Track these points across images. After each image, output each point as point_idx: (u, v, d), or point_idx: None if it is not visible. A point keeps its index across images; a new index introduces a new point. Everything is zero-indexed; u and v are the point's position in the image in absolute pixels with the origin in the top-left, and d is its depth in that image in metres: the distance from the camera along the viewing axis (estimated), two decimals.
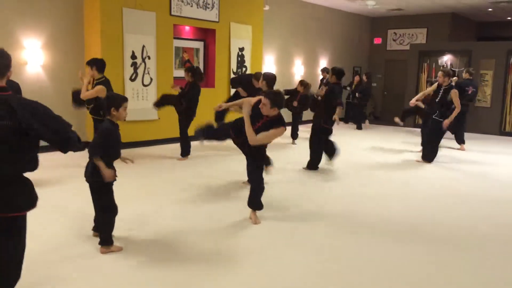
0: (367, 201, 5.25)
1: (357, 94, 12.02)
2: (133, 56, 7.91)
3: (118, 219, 3.65)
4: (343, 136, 9.71)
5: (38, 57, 7.19)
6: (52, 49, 7.38)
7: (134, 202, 4.77)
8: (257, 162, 4.44)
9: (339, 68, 6.78)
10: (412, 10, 13.46)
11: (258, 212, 4.40)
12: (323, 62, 13.50)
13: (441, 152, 7.70)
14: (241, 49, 9.98)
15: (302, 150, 7.68)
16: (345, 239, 4.03)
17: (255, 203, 4.39)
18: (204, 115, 7.05)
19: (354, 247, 3.87)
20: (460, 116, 7.75)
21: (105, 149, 3.46)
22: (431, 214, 4.87)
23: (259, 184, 4.39)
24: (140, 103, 8.02)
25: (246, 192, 4.57)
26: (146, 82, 8.15)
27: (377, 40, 15.27)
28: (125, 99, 3.59)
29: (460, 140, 9.06)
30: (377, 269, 3.45)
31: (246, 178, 5.09)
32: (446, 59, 12.64)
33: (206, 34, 9.50)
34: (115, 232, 3.67)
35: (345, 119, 12.58)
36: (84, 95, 5.83)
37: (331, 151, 6.70)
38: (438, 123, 7.12)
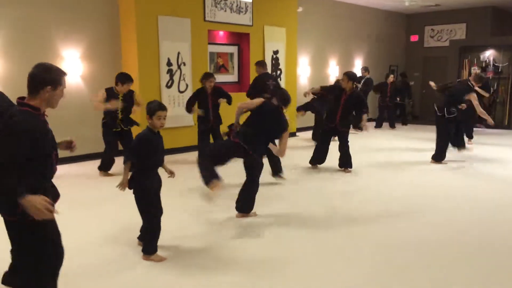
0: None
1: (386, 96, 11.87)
2: (169, 63, 7.94)
3: (163, 230, 3.61)
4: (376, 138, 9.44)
5: (77, 68, 7.31)
6: (90, 59, 7.49)
7: (177, 210, 4.73)
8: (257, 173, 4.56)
9: (351, 72, 6.78)
10: (450, 5, 13.01)
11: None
12: (358, 62, 13.24)
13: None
14: (275, 52, 9.88)
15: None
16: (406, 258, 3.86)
17: (248, 207, 4.60)
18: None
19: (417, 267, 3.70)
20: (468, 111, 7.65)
21: (138, 155, 3.46)
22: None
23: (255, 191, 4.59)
24: (176, 110, 8.03)
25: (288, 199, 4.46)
26: (182, 89, 8.17)
27: (414, 38, 14.85)
28: (159, 108, 3.48)
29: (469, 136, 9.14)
30: None
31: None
32: (489, 54, 12.15)
33: (240, 39, 9.45)
34: (163, 242, 3.64)
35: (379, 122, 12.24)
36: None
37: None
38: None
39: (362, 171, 6.77)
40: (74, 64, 7.25)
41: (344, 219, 4.62)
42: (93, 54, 7.51)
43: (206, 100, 6.67)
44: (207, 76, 6.66)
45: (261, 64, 7.08)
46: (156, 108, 3.47)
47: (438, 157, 7.29)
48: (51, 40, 7.02)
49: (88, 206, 4.96)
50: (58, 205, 2.48)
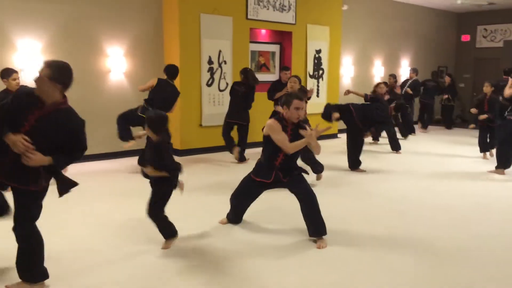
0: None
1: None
2: (210, 61, 7.93)
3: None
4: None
5: (120, 65, 7.43)
6: (134, 56, 7.59)
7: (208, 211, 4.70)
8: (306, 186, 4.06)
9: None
10: (505, 3, 12.32)
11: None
12: (405, 62, 12.81)
13: None
14: (318, 51, 9.69)
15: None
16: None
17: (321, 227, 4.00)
18: None
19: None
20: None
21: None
22: None
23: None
24: (216, 108, 8.02)
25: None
26: (222, 87, 8.15)
27: (465, 38, 14.20)
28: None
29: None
30: None
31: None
32: None
33: (282, 37, 9.33)
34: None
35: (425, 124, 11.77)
36: None
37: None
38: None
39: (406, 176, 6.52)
40: (118, 61, 7.38)
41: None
42: (137, 51, 7.61)
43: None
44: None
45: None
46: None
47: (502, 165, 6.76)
48: (96, 37, 7.17)
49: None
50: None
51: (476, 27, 13.89)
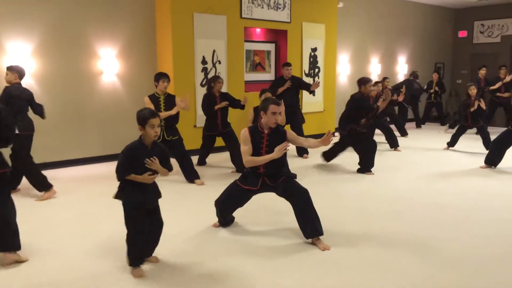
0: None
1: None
2: (204, 61, 7.83)
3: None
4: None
5: (113, 66, 7.32)
6: (126, 58, 7.49)
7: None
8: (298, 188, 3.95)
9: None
10: None
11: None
12: (402, 59, 12.71)
13: None
14: (314, 50, 9.59)
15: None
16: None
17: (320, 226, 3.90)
18: None
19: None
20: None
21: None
22: None
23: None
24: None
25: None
26: None
27: (462, 33, 14.11)
28: (151, 115, 3.20)
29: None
30: None
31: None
32: None
33: (277, 36, 9.23)
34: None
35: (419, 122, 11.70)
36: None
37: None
38: None
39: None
40: (110, 62, 7.27)
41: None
42: (129, 52, 7.51)
43: (214, 104, 6.50)
44: (214, 79, 6.54)
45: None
46: (147, 116, 3.19)
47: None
48: (88, 39, 7.06)
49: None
50: None
51: (473, 23, 13.80)
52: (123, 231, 3.29)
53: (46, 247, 3.77)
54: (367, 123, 6.45)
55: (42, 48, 6.60)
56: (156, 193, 3.41)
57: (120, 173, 3.19)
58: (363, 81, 6.44)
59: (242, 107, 6.70)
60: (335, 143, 6.79)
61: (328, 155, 6.96)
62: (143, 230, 3.27)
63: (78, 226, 4.31)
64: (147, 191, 3.29)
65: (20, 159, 5.07)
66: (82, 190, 5.63)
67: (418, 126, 11.59)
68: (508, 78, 9.62)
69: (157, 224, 3.44)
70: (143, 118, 3.19)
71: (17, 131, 4.68)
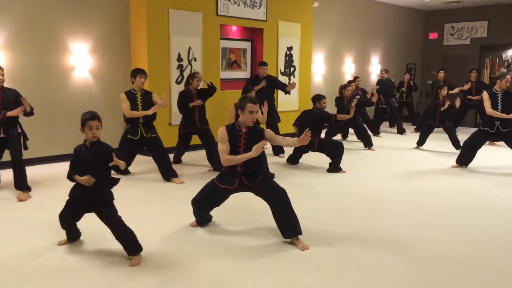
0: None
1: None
2: (179, 59, 7.72)
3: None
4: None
5: (85, 62, 7.13)
6: (99, 54, 7.31)
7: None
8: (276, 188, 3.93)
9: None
10: (472, 1, 12.56)
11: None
12: (375, 60, 12.88)
13: None
14: (289, 49, 9.60)
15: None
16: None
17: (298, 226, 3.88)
18: None
19: None
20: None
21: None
22: None
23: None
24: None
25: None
26: None
27: (433, 35, 14.40)
28: (90, 118, 3.37)
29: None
30: None
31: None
32: (511, 53, 11.72)
33: (253, 34, 9.20)
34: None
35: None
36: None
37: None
38: None
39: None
40: (82, 58, 7.08)
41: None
42: (102, 48, 7.33)
43: (191, 101, 6.44)
44: (193, 76, 6.51)
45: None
46: (87, 118, 3.36)
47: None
48: (59, 34, 6.85)
49: None
50: None
51: (444, 25, 14.11)
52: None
53: None
54: (341, 122, 6.72)
55: (12, 42, 6.35)
56: (99, 194, 3.46)
57: (68, 173, 3.46)
58: (317, 98, 6.83)
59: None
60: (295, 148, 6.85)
61: (293, 159, 7.05)
62: (67, 216, 3.60)
63: (39, 224, 4.17)
64: (90, 191, 3.41)
65: None
66: (50, 188, 5.46)
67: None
68: (466, 87, 10.01)
69: (108, 223, 3.47)
70: (82, 120, 3.38)
71: None
